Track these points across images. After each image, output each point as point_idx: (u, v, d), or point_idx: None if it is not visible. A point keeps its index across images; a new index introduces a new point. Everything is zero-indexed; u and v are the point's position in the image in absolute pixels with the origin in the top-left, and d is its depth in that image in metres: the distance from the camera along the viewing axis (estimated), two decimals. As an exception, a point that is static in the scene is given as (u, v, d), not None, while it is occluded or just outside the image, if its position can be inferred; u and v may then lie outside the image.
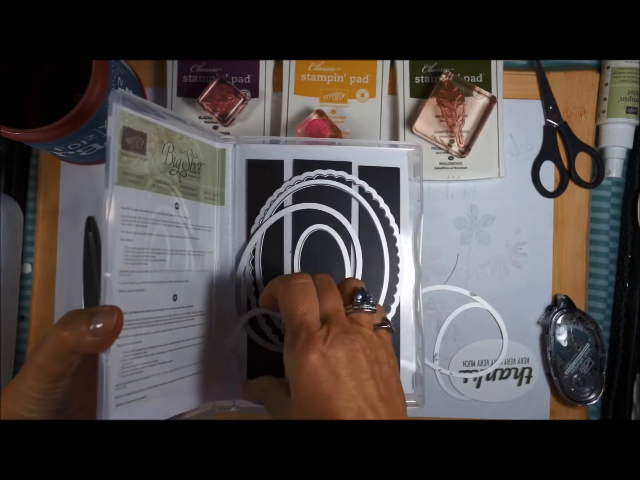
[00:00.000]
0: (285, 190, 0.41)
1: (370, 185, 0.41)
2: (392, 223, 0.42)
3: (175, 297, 0.35)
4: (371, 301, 0.33)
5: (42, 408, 0.28)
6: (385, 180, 0.42)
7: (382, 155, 0.42)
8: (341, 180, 0.41)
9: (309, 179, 0.41)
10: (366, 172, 0.41)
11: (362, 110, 0.49)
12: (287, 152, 0.41)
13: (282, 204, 0.41)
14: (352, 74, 0.49)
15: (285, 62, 0.48)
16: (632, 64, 0.49)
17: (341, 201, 0.41)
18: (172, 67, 0.48)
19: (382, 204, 0.42)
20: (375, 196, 0.41)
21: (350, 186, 0.41)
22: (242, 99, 0.46)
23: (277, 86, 0.49)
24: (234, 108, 0.46)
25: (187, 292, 0.36)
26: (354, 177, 0.41)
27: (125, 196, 0.31)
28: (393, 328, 0.35)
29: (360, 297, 0.33)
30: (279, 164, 0.41)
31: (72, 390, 0.29)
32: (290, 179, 0.41)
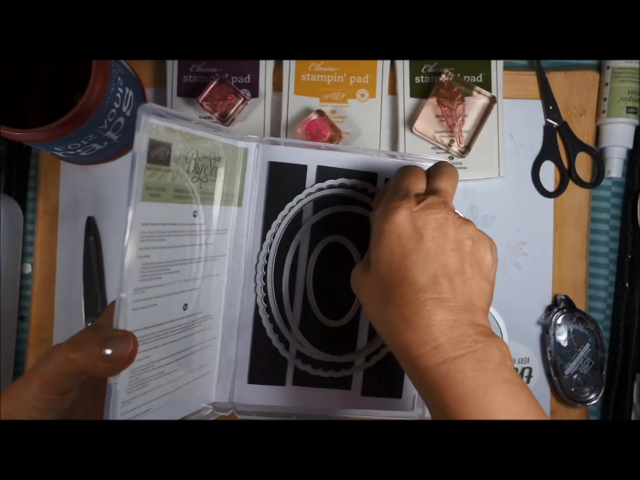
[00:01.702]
0: (305, 197, 0.39)
1: None
2: None
3: (185, 307, 0.34)
4: None
5: (46, 418, 0.27)
6: None
7: None
8: (364, 191, 0.39)
9: (331, 187, 0.39)
10: None
11: (362, 110, 0.49)
12: (311, 157, 0.38)
13: (302, 210, 0.39)
14: (352, 74, 0.49)
15: (285, 62, 0.48)
16: (632, 64, 0.49)
17: (362, 213, 0.39)
18: (172, 67, 0.48)
19: None
20: None
21: (372, 198, 0.39)
22: (242, 99, 0.46)
23: (277, 86, 0.49)
24: (234, 108, 0.46)
25: (197, 300, 0.35)
26: (378, 189, 0.39)
27: (145, 212, 0.29)
28: None
29: None
30: (302, 168, 0.38)
31: (78, 399, 0.28)
32: (312, 186, 0.38)
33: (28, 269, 0.49)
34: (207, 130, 0.34)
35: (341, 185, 0.39)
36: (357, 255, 0.39)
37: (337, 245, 0.39)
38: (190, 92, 0.48)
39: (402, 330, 0.28)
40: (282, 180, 0.38)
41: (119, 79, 0.42)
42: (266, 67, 0.48)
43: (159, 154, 0.30)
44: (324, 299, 0.39)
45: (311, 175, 0.39)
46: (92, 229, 0.48)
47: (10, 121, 0.38)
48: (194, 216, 0.34)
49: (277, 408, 0.39)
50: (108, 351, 0.26)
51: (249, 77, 0.48)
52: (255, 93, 0.48)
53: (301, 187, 0.39)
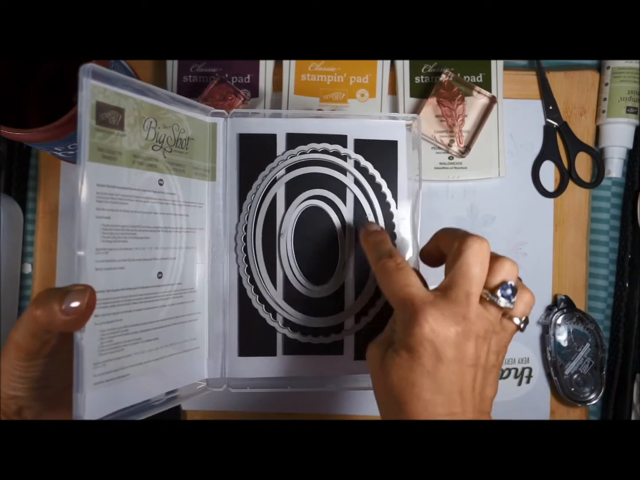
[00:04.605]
0: (277, 164, 0.39)
1: (366, 159, 0.40)
2: (389, 198, 0.40)
3: (160, 275, 0.35)
4: (512, 300, 0.31)
5: (24, 386, 0.29)
6: (382, 154, 0.40)
7: (379, 128, 0.40)
8: (336, 154, 0.40)
9: (303, 153, 0.39)
10: (362, 146, 0.40)
11: (362, 110, 0.49)
12: (280, 125, 0.39)
13: (275, 178, 0.39)
14: (352, 74, 0.49)
15: (285, 62, 0.48)
16: (632, 64, 0.49)
17: (336, 175, 0.40)
18: (172, 67, 0.48)
19: (379, 179, 0.40)
20: (372, 170, 0.40)
21: (345, 160, 0.40)
22: (242, 99, 0.46)
23: (277, 86, 0.49)
24: (234, 108, 0.46)
25: (174, 270, 0.36)
26: (349, 150, 0.40)
27: (100, 173, 0.30)
28: (523, 328, 0.32)
29: (508, 292, 0.31)
30: (272, 137, 0.39)
31: (53, 368, 0.29)
32: (283, 154, 0.39)
33: (28, 269, 0.49)
34: (163, 99, 0.35)
35: (312, 150, 0.40)
36: (335, 217, 0.40)
37: (314, 209, 0.40)
38: (190, 92, 0.48)
39: None
40: (253, 151, 0.39)
41: (119, 79, 0.42)
42: (266, 67, 0.48)
43: (109, 117, 0.31)
44: (307, 263, 0.40)
45: (281, 143, 0.40)
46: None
47: (10, 121, 0.38)
48: (160, 184, 0.35)
49: (270, 379, 0.39)
50: (68, 304, 0.27)
51: (249, 77, 0.48)
52: (255, 93, 0.48)
53: (272, 156, 0.39)
